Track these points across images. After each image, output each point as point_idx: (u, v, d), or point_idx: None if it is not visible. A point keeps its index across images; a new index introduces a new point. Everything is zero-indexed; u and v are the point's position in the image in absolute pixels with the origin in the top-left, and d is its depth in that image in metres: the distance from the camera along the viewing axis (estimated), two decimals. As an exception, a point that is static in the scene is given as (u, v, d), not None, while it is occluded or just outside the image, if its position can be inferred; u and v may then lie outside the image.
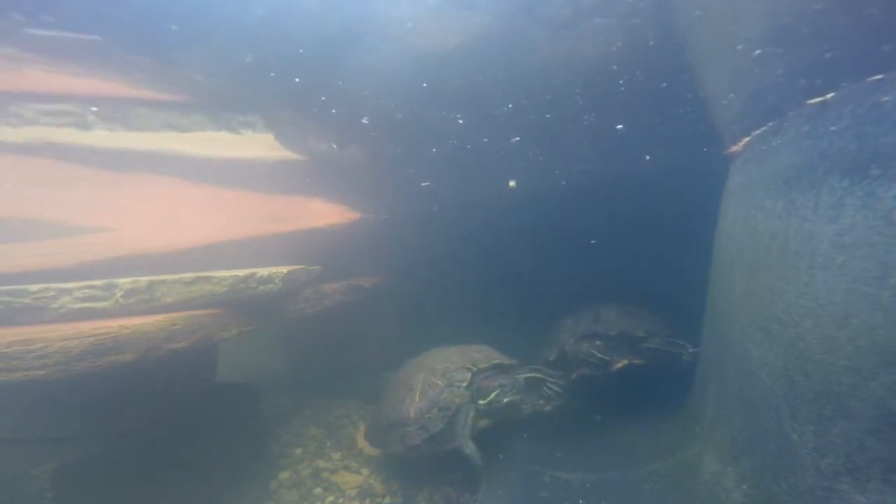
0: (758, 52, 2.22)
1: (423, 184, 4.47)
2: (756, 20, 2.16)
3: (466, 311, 5.07)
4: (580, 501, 2.61)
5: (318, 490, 3.33)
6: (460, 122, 3.59)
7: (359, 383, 4.60)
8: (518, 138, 3.83)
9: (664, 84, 3.08)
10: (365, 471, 3.52)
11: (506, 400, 3.07)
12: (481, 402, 3.10)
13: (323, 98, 3.41)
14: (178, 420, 2.93)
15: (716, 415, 2.77)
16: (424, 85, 3.13)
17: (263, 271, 3.14)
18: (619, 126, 3.47)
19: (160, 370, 2.58)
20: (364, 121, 3.37)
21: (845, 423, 1.73)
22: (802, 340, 1.92)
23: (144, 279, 2.72)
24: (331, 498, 3.26)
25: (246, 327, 3.04)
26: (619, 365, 3.56)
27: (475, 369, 3.23)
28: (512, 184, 4.41)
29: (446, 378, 3.22)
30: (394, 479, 3.38)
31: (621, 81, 3.06)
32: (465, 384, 3.14)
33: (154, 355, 2.39)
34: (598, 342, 3.64)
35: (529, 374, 3.42)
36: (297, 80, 3.20)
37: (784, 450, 2.01)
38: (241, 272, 3.04)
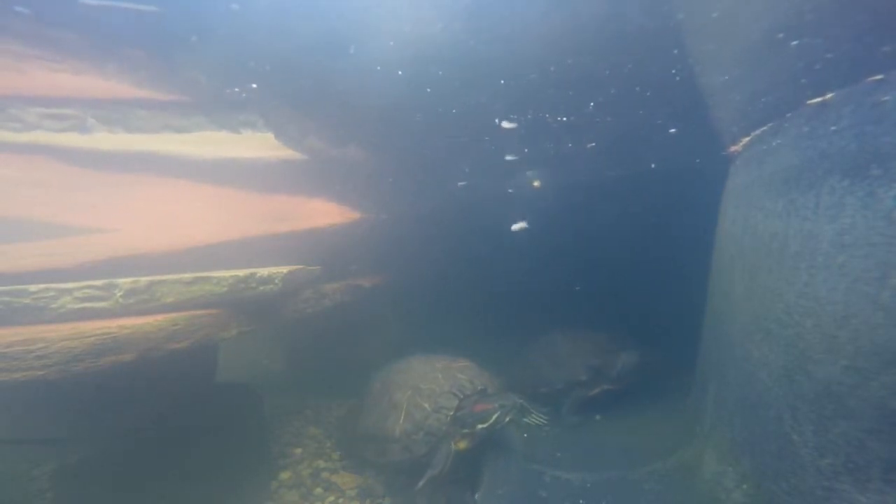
0: (756, 51, 2.22)
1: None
2: (756, 19, 2.16)
3: (463, 312, 5.08)
4: (580, 501, 2.61)
5: (318, 490, 3.33)
6: (461, 122, 3.59)
7: (359, 383, 4.61)
8: (520, 143, 3.83)
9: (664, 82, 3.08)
10: (366, 471, 3.52)
11: (507, 419, 3.06)
12: (481, 425, 3.05)
13: (323, 96, 3.41)
14: (178, 420, 2.93)
15: (716, 415, 2.77)
16: (427, 84, 3.13)
17: (263, 271, 3.14)
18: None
19: (160, 370, 2.58)
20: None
21: (846, 423, 1.73)
22: (803, 340, 1.92)
23: (144, 279, 2.72)
24: (331, 498, 3.26)
25: (246, 327, 3.04)
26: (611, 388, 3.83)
27: (462, 396, 3.20)
28: (536, 183, 4.42)
29: (433, 402, 3.18)
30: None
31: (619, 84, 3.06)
32: (451, 412, 3.11)
33: (154, 355, 2.39)
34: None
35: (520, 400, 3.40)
36: (295, 77, 3.19)
37: (784, 450, 2.02)
38: (241, 272, 3.04)
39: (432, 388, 3.26)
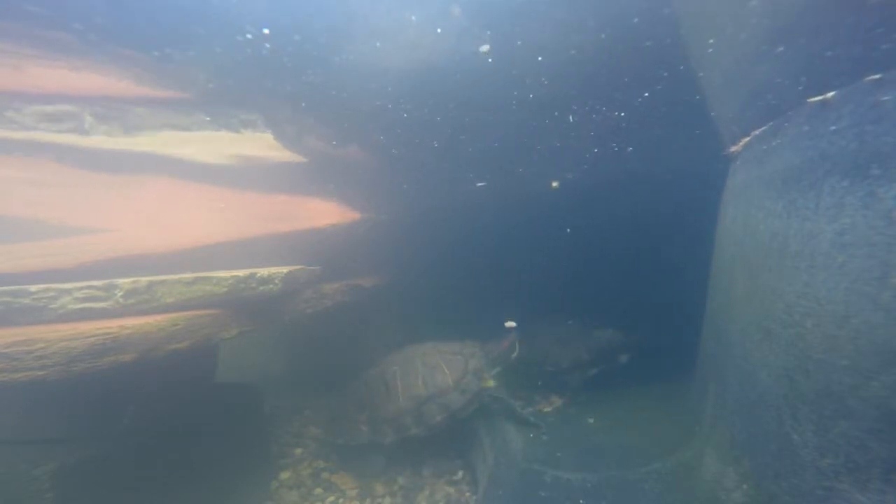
0: (757, 51, 2.22)
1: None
2: (756, 19, 2.16)
3: (463, 312, 5.06)
4: (580, 501, 2.61)
5: (318, 490, 3.33)
6: (463, 123, 3.58)
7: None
8: (521, 140, 3.82)
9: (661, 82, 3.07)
10: (369, 456, 3.52)
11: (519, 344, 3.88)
12: (514, 354, 3.82)
13: (323, 96, 3.40)
14: (179, 420, 2.93)
15: (716, 414, 2.77)
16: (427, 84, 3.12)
17: (263, 271, 3.14)
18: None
19: (161, 370, 2.58)
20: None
21: (846, 423, 1.73)
22: (803, 340, 1.92)
23: (144, 279, 2.72)
24: (331, 498, 3.26)
25: (246, 327, 3.04)
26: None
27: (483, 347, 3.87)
28: (555, 184, 4.44)
29: (464, 355, 3.76)
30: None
31: (620, 80, 3.05)
32: (482, 357, 3.75)
33: (154, 355, 2.39)
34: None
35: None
36: (295, 76, 3.18)
37: (784, 450, 2.02)
38: (241, 272, 3.04)
39: (453, 349, 3.84)
